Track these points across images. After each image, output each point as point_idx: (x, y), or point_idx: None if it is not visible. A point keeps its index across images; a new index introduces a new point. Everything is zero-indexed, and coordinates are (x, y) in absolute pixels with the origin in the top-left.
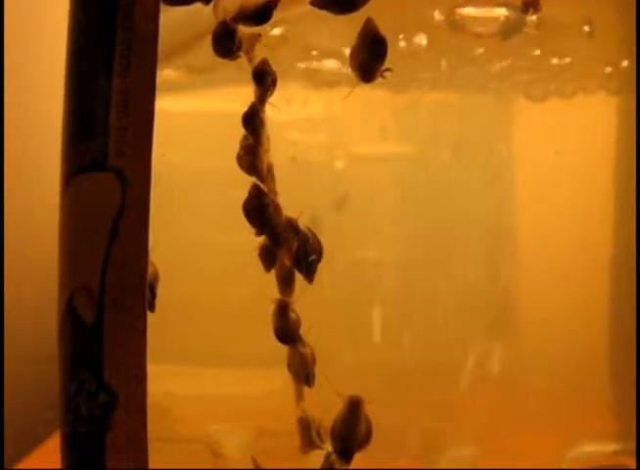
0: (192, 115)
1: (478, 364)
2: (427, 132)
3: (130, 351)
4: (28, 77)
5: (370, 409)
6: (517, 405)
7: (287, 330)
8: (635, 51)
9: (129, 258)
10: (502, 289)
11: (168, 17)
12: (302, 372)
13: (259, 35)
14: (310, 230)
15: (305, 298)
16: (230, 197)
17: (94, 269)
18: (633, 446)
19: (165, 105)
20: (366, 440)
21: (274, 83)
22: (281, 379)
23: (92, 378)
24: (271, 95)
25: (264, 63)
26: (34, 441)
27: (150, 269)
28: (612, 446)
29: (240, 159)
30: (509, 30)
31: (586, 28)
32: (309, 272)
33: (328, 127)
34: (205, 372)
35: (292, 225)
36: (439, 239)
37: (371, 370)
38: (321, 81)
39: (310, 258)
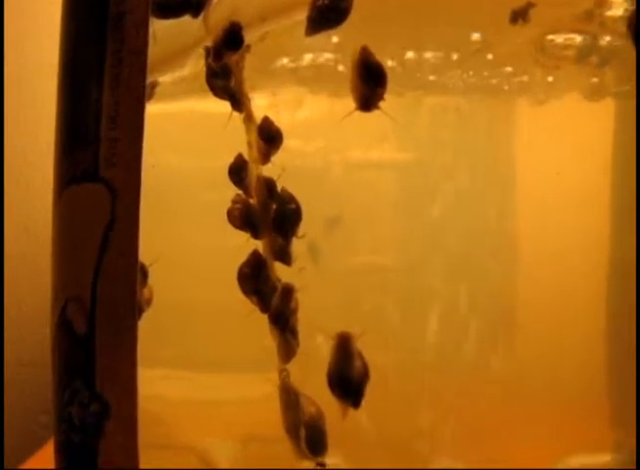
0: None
1: (475, 371)
2: (427, 136)
3: (121, 361)
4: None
5: (369, 412)
6: (514, 413)
7: (283, 314)
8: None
9: (120, 270)
10: (502, 297)
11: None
12: (284, 360)
13: (249, 46)
14: (287, 191)
15: (306, 301)
16: (227, 200)
17: (85, 281)
18: (629, 457)
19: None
20: (364, 375)
21: (281, 141)
22: (272, 384)
23: (84, 388)
24: (276, 152)
25: (268, 122)
26: (34, 444)
27: (145, 294)
28: (607, 457)
29: (230, 213)
30: (584, 54)
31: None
32: (289, 235)
33: (325, 132)
34: (196, 377)
35: (269, 187)
36: (440, 244)
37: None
38: (317, 86)
39: (290, 220)
